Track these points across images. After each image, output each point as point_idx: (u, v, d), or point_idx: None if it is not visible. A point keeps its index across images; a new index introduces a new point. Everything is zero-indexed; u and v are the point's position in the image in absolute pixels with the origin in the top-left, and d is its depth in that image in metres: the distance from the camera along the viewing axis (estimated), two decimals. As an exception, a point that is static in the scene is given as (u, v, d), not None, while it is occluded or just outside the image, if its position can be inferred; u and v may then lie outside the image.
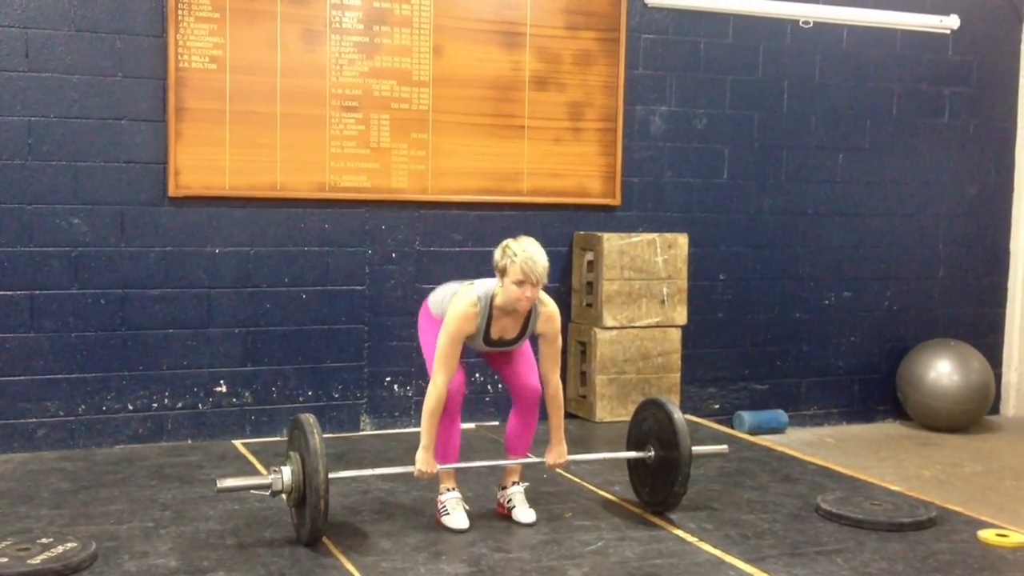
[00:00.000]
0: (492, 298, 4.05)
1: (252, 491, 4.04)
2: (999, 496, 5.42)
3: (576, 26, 6.17)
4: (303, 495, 3.87)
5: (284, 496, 3.94)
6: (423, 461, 4.04)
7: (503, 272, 3.98)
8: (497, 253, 4.01)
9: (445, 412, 4.08)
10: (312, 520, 3.81)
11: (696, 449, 4.30)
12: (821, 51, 6.81)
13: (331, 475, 3.86)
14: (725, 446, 4.67)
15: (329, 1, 5.67)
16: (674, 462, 4.22)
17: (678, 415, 4.27)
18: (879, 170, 7.03)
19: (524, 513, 4.24)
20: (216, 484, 3.92)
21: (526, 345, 4.26)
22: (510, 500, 4.28)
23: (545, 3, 6.10)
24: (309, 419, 3.92)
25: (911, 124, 7.10)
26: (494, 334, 4.09)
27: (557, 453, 4.25)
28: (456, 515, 4.14)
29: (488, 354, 4.28)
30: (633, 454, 4.46)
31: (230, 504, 4.42)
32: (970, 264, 7.35)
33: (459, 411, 4.19)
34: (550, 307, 4.14)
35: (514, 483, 4.31)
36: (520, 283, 3.92)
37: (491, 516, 4.32)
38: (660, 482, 4.33)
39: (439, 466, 4.09)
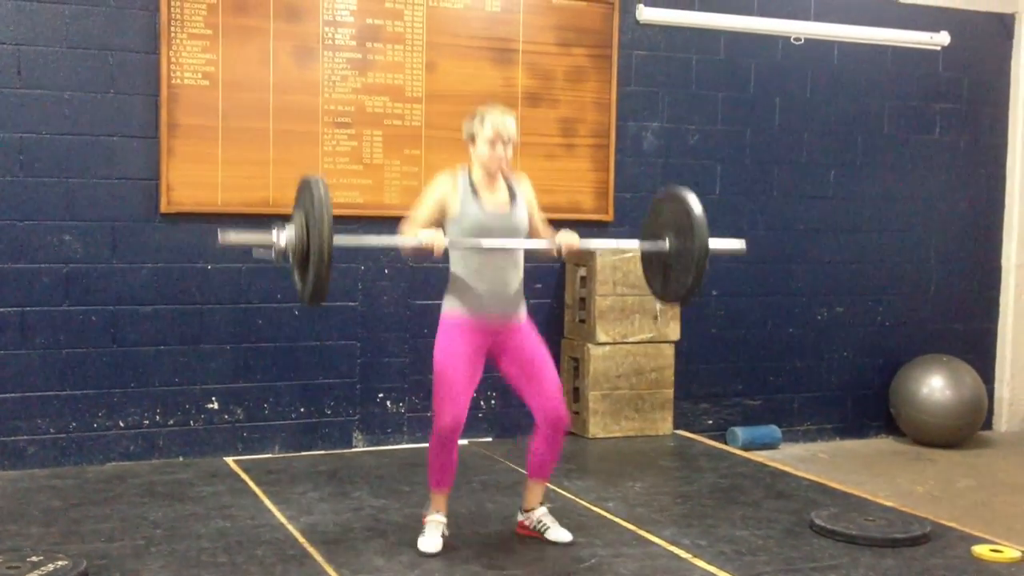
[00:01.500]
0: (469, 173, 4.05)
1: (255, 248, 3.88)
2: (993, 512, 5.42)
3: (568, 43, 6.19)
4: (307, 254, 3.70)
5: (289, 254, 3.77)
6: (429, 235, 3.89)
7: (473, 138, 4.02)
8: (465, 125, 4.05)
9: (446, 441, 3.99)
10: (316, 277, 3.64)
11: (713, 242, 4.07)
12: (812, 68, 6.83)
13: (335, 241, 3.67)
14: (743, 242, 4.39)
15: (322, 18, 5.68)
16: (689, 253, 4.06)
17: (697, 207, 4.07)
18: (871, 186, 7.05)
19: (560, 533, 4.19)
20: (219, 237, 3.76)
21: (549, 360, 4.14)
22: (540, 522, 4.22)
23: (537, 20, 6.11)
24: (319, 187, 3.69)
25: (902, 140, 7.12)
26: (487, 205, 4.01)
27: (569, 236, 4.07)
28: (430, 538, 4.07)
29: (509, 352, 4.09)
30: (649, 244, 4.26)
31: (222, 522, 4.39)
32: (962, 279, 7.37)
33: (457, 443, 4.07)
34: (520, 174, 4.16)
35: (541, 504, 4.27)
36: (492, 142, 3.96)
37: (486, 533, 4.30)
38: (675, 273, 4.17)
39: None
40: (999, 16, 7.29)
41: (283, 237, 3.75)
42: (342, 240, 3.93)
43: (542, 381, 4.09)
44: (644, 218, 4.44)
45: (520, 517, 4.30)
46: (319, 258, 3.61)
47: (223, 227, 3.88)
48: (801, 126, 6.84)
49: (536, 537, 4.22)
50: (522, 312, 4.16)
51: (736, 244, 4.37)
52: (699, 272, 4.03)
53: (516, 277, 4.10)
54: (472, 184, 4.05)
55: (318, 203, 3.63)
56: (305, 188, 3.77)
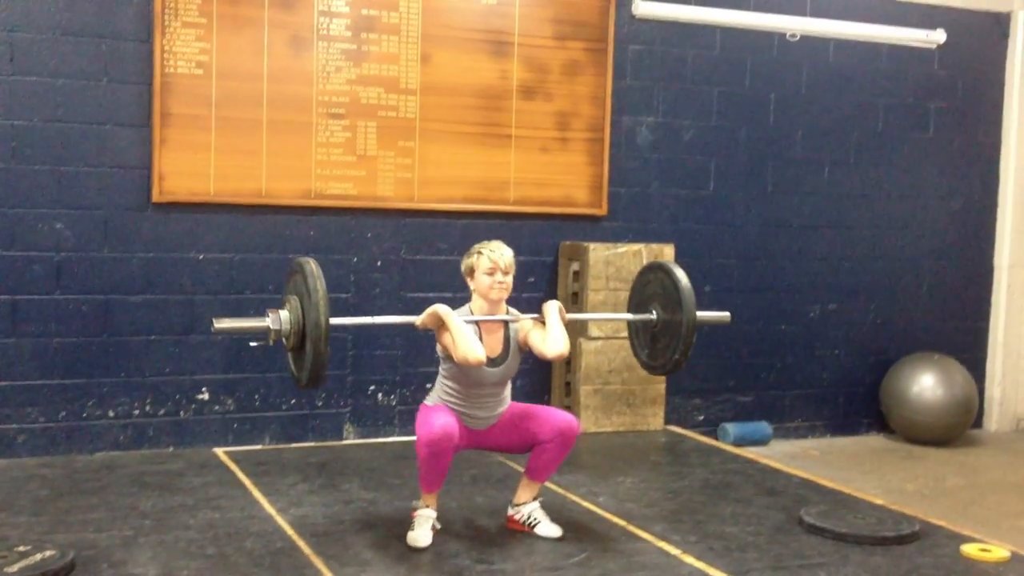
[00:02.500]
0: (470, 312, 4.10)
1: (248, 335, 3.93)
2: (982, 511, 5.43)
3: (564, 36, 6.17)
4: (302, 339, 3.78)
5: (283, 340, 3.85)
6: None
7: (471, 272, 4.09)
8: (463, 262, 4.15)
9: (442, 451, 3.94)
10: (314, 359, 3.69)
11: (700, 314, 4.24)
12: (808, 64, 6.82)
13: (332, 321, 3.73)
14: (727, 314, 4.61)
15: (317, 8, 5.66)
16: (677, 325, 4.19)
17: (684, 279, 4.24)
18: (864, 183, 7.05)
19: (550, 528, 4.20)
20: (213, 324, 3.85)
21: (533, 410, 4.21)
22: (531, 516, 4.24)
23: (533, 13, 6.09)
24: (310, 264, 3.79)
25: (897, 138, 7.12)
26: (486, 348, 4.02)
27: (554, 305, 4.14)
28: (419, 532, 4.06)
29: (495, 430, 4.16)
30: (637, 316, 4.43)
31: (211, 513, 4.38)
32: (954, 278, 7.37)
33: (450, 451, 3.99)
34: (521, 319, 4.16)
35: (534, 499, 4.28)
36: (491, 272, 4.03)
37: (475, 527, 4.30)
38: (661, 346, 4.31)
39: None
40: (995, 15, 7.29)
41: (278, 322, 3.82)
42: (339, 321, 4.01)
43: (539, 414, 4.16)
44: (631, 289, 4.58)
45: (511, 511, 4.30)
46: (316, 339, 3.67)
47: (217, 317, 3.99)
48: (796, 122, 6.84)
49: (526, 531, 4.22)
50: (503, 410, 4.20)
51: (721, 315, 4.58)
52: (686, 346, 4.20)
53: (503, 403, 4.18)
54: (477, 333, 4.05)
55: (312, 284, 3.71)
56: (298, 271, 3.85)
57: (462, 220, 6.04)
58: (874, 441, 7.02)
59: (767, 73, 6.73)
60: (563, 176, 6.24)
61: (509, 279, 4.07)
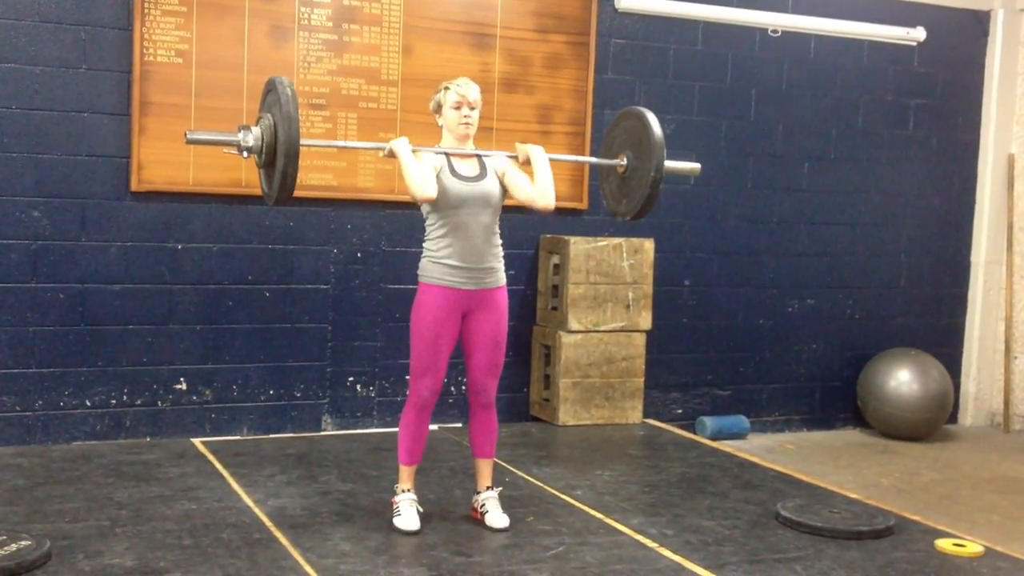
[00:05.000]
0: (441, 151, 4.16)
1: (221, 146, 3.99)
2: (956, 505, 5.48)
3: (546, 29, 6.17)
4: (273, 154, 3.84)
5: (255, 156, 3.91)
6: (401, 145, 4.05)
7: (439, 108, 4.15)
8: (431, 100, 4.19)
9: (421, 411, 4.10)
10: (283, 175, 3.80)
11: (668, 163, 4.31)
12: (789, 60, 6.85)
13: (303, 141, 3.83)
14: (697, 165, 4.64)
15: (298, -2, 5.64)
16: (647, 161, 4.25)
17: (655, 123, 4.28)
18: (844, 179, 7.08)
19: (497, 518, 4.21)
20: (186, 135, 3.91)
21: (498, 339, 4.18)
22: (483, 505, 4.26)
23: (515, 5, 6.09)
24: (283, 81, 3.84)
25: (876, 135, 7.16)
26: (460, 170, 4.09)
27: (531, 150, 4.24)
28: (407, 516, 4.11)
29: (468, 289, 4.11)
30: (610, 161, 4.51)
31: (188, 504, 4.37)
32: (931, 275, 7.42)
33: (431, 414, 4.18)
34: (494, 155, 4.25)
35: (488, 488, 4.29)
36: (457, 106, 4.09)
37: (453, 519, 4.30)
38: (634, 185, 4.37)
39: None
40: (975, 13, 7.33)
41: (250, 137, 3.87)
42: (311, 141, 4.15)
43: (476, 353, 4.17)
44: (604, 141, 4.66)
45: (473, 500, 4.32)
46: (286, 154, 3.75)
47: (190, 131, 4.07)
48: (776, 118, 6.86)
49: (481, 520, 4.24)
50: (496, 280, 4.22)
51: (692, 165, 4.61)
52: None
53: (489, 249, 4.17)
54: (447, 157, 4.11)
55: (285, 102, 3.76)
56: (271, 89, 3.90)
57: (443, 212, 6.02)
58: (850, 435, 7.06)
59: (748, 68, 6.74)
60: (544, 169, 6.21)
61: (475, 115, 4.12)
